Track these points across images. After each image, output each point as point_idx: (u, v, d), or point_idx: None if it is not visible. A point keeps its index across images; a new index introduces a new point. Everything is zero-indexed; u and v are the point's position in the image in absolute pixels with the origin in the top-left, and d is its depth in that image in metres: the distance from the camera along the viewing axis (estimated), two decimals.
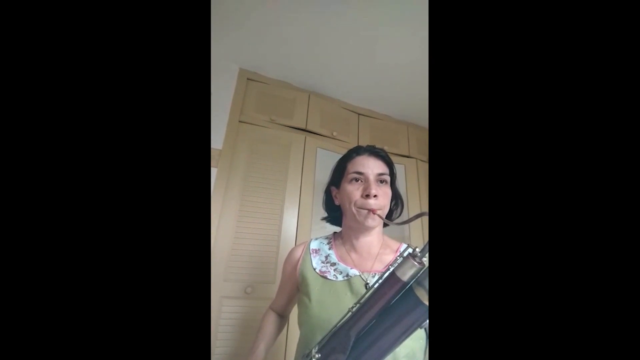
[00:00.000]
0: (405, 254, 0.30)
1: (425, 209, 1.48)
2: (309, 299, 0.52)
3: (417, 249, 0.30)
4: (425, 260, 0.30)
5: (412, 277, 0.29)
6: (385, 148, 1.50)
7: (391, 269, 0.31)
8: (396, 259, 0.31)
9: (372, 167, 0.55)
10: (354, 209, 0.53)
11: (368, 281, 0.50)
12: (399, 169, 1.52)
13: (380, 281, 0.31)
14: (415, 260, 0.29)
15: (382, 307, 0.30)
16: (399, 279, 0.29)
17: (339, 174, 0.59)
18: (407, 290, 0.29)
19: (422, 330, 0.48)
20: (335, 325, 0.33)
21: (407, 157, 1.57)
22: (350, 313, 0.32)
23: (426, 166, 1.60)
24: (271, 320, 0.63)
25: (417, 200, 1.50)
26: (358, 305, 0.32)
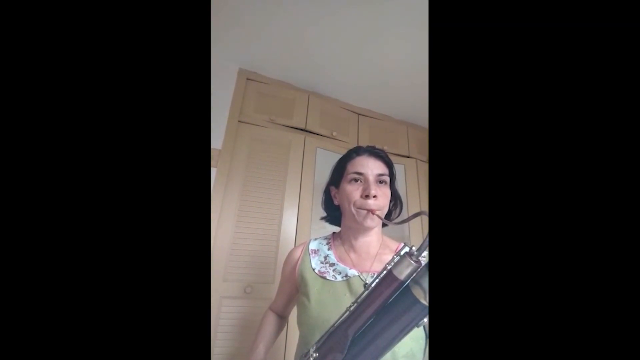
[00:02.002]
0: (402, 252, 0.30)
1: (425, 209, 1.48)
2: (308, 300, 0.52)
3: (414, 248, 0.30)
4: (422, 258, 0.30)
5: (408, 276, 0.29)
6: (385, 148, 1.50)
7: (388, 268, 0.31)
8: (393, 258, 0.31)
9: (371, 167, 0.55)
10: (353, 209, 0.53)
11: (367, 281, 0.50)
12: (399, 169, 1.52)
13: (377, 280, 0.31)
14: (412, 258, 0.29)
15: (379, 306, 0.30)
16: (396, 278, 0.29)
17: (339, 174, 0.59)
18: (404, 289, 0.29)
19: (422, 330, 0.48)
20: (333, 325, 0.33)
21: (407, 157, 1.58)
22: (347, 312, 0.32)
23: (426, 166, 1.61)
24: (271, 320, 0.63)
25: (417, 200, 1.50)
26: (355, 304, 0.32)
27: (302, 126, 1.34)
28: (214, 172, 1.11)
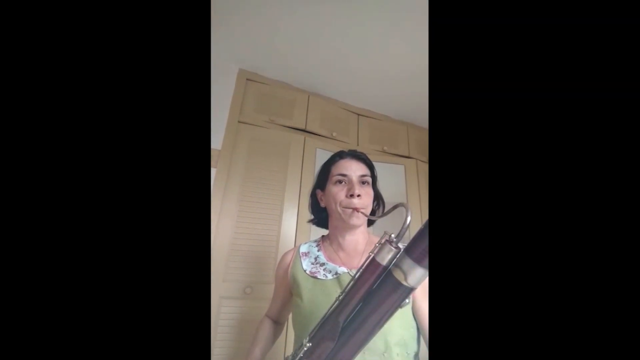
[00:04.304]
0: (383, 240, 0.33)
1: (425, 209, 1.48)
2: (301, 299, 0.54)
3: (393, 235, 0.32)
4: (401, 245, 0.32)
5: (390, 261, 0.31)
6: (385, 148, 1.50)
7: (371, 256, 0.33)
8: (375, 246, 0.33)
9: (354, 169, 0.58)
10: (339, 209, 0.56)
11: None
12: (399, 170, 1.52)
13: (362, 268, 0.33)
14: (392, 245, 0.31)
15: (365, 292, 0.32)
16: (378, 264, 0.31)
17: (324, 177, 0.62)
18: (386, 274, 0.31)
19: (412, 319, 0.50)
20: (325, 315, 0.35)
21: (407, 157, 1.58)
22: (337, 301, 0.34)
23: (426, 166, 1.61)
24: (266, 326, 0.65)
25: (417, 200, 1.50)
26: (344, 293, 0.34)
27: (302, 127, 1.34)
28: (213, 172, 1.11)
